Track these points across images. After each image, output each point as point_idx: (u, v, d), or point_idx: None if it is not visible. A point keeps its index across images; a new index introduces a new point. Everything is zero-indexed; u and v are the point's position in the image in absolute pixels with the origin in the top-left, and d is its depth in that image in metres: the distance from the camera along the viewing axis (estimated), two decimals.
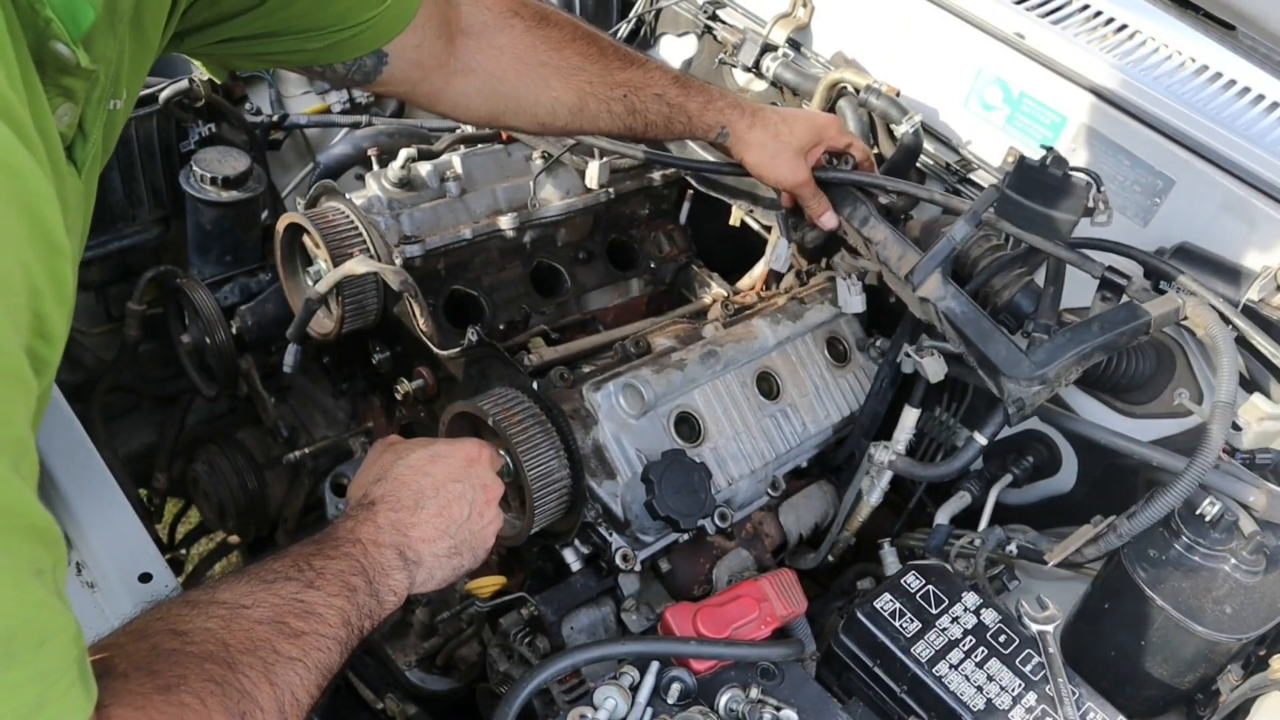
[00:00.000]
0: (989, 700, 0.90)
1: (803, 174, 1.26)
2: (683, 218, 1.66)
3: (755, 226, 1.54)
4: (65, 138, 0.64)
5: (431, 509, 0.89)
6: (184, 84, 1.61)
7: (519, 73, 1.15)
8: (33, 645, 0.52)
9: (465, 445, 0.96)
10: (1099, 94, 1.26)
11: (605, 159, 1.48)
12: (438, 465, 0.92)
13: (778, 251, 1.41)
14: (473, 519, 0.92)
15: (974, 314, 1.11)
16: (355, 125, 1.78)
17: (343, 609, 0.76)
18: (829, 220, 1.28)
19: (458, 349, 1.20)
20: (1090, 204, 1.07)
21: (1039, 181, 1.08)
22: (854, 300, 1.35)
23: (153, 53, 0.79)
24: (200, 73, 1.61)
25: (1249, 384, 1.13)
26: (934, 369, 1.21)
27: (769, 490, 1.26)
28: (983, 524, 1.21)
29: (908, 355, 1.25)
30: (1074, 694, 0.91)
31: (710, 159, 1.46)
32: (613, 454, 1.13)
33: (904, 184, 1.26)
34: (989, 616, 0.98)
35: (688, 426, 1.20)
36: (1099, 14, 1.36)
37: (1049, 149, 1.11)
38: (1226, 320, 1.08)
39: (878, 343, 1.39)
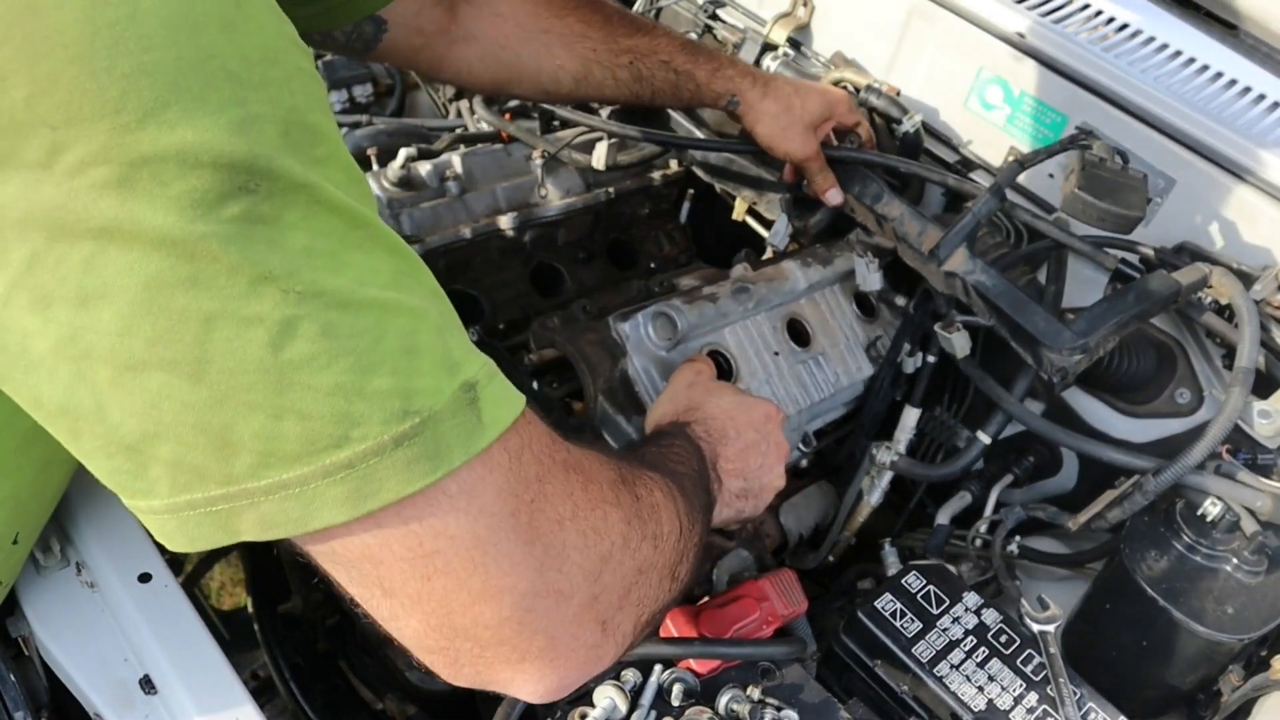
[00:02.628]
0: (990, 700, 0.90)
1: (812, 148, 1.24)
2: (683, 217, 1.65)
3: (756, 226, 1.54)
4: None
5: (736, 447, 0.89)
6: None
7: (521, 40, 1.14)
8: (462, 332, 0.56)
9: (765, 403, 0.97)
10: (1100, 93, 1.26)
11: (613, 139, 1.46)
12: (743, 412, 0.93)
13: (776, 227, 1.40)
14: (764, 470, 0.92)
15: (1006, 286, 1.10)
16: (355, 125, 1.78)
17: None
18: (834, 196, 1.26)
19: None
20: (1150, 195, 1.07)
21: (1104, 180, 1.08)
22: (872, 278, 1.33)
23: None
24: None
25: (1265, 383, 1.12)
26: (961, 344, 1.20)
27: (800, 445, 1.21)
28: (983, 525, 1.21)
29: (937, 333, 1.23)
30: (1075, 694, 0.91)
31: (717, 139, 1.44)
32: (642, 387, 1.08)
33: (915, 164, 1.26)
34: (990, 617, 0.98)
35: (719, 366, 1.14)
36: (1099, 13, 1.36)
37: (1086, 131, 1.09)
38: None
39: (898, 300, 1.36)
